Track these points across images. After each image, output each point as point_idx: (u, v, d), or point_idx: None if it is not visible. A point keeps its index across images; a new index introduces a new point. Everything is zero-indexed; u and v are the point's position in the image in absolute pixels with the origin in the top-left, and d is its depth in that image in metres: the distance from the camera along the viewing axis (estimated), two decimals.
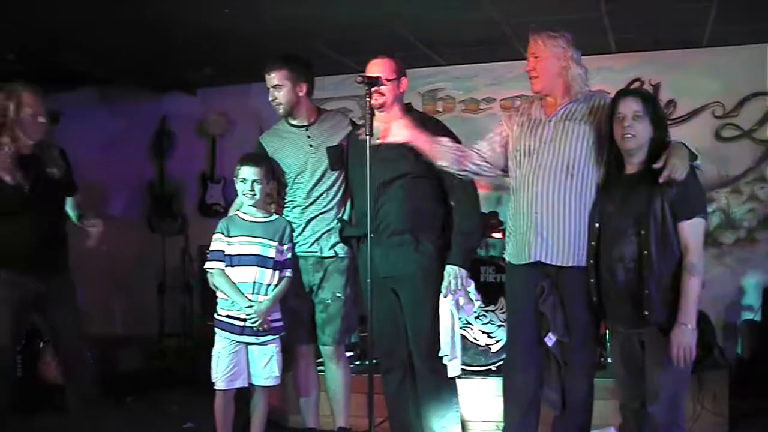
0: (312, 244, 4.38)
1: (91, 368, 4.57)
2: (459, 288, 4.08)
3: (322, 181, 4.38)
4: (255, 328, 4.23)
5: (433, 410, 4.20)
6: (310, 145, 4.41)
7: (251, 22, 5.71)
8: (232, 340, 4.27)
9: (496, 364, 5.17)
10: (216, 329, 4.32)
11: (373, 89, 4.00)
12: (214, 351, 4.31)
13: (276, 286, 4.28)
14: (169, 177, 7.87)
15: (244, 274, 4.25)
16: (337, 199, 4.41)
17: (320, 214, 4.38)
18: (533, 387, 3.86)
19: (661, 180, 3.37)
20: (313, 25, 5.80)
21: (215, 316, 4.33)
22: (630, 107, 3.50)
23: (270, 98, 4.42)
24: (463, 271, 4.10)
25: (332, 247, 4.38)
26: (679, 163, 3.38)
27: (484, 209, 4.46)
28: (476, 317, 5.20)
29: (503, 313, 4.96)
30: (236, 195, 4.40)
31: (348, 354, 4.84)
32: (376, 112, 4.24)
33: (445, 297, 4.08)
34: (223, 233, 4.31)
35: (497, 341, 5.24)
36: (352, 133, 4.44)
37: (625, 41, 6.38)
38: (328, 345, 4.44)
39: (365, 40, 5.72)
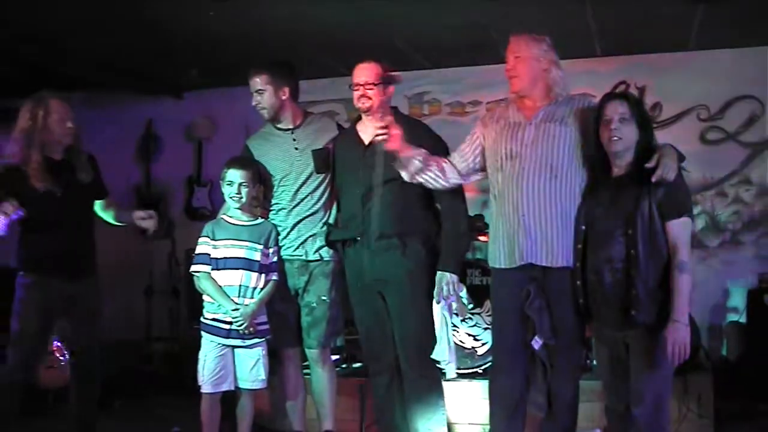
0: (297, 248, 4.38)
1: (102, 376, 4.60)
2: (451, 293, 4.09)
3: (307, 184, 4.38)
4: (241, 331, 4.23)
5: (420, 413, 4.21)
6: (296, 148, 4.41)
7: (238, 26, 5.72)
8: (219, 344, 4.27)
9: (483, 367, 5.18)
10: (202, 332, 4.32)
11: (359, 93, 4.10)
12: (201, 354, 4.30)
13: (262, 289, 4.28)
14: (155, 180, 7.86)
15: (230, 278, 4.25)
16: (322, 202, 4.41)
17: (305, 217, 4.38)
18: (519, 390, 3.86)
19: (654, 179, 3.39)
20: (300, 29, 5.80)
21: (201, 319, 4.33)
22: (616, 110, 3.52)
23: (253, 102, 4.43)
24: (455, 276, 4.11)
25: (317, 250, 4.38)
26: (671, 163, 3.41)
27: (470, 212, 4.47)
28: (462, 320, 5.21)
29: (489, 315, 4.96)
30: (223, 198, 4.40)
31: (334, 357, 4.84)
32: (363, 116, 4.27)
33: (438, 303, 4.09)
34: (209, 237, 4.31)
35: (483, 344, 5.25)
36: (338, 136, 4.44)
37: (611, 45, 6.41)
38: (314, 348, 4.44)
39: (353, 44, 5.73)
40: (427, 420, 4.21)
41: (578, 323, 3.75)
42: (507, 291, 3.86)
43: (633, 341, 3.51)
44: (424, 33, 6.05)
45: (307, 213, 4.38)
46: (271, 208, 4.45)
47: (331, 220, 4.42)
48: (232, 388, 4.33)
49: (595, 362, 4.74)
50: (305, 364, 4.61)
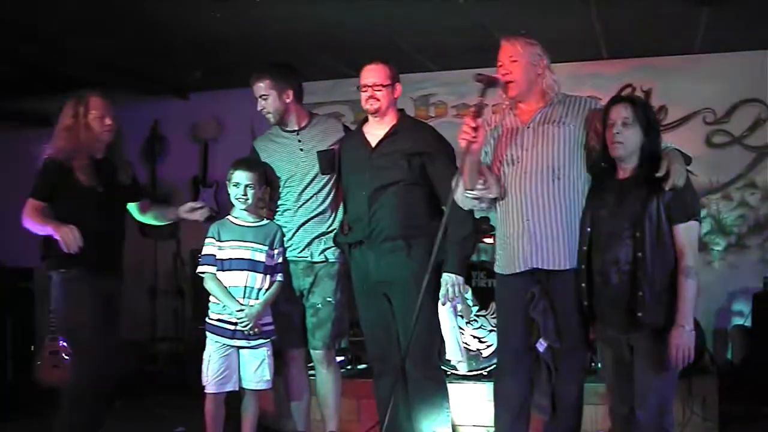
0: (303, 249, 4.39)
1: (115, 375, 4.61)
2: (456, 295, 4.09)
3: (312, 185, 4.38)
4: (246, 332, 4.23)
5: (424, 414, 4.21)
6: (301, 150, 4.41)
7: (243, 27, 5.72)
8: (223, 344, 4.28)
9: (488, 369, 5.17)
10: (207, 333, 4.33)
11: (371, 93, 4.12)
12: (205, 354, 4.31)
13: (267, 290, 4.29)
14: (160, 181, 7.87)
15: (236, 279, 4.26)
16: (327, 203, 4.40)
17: (311, 218, 4.38)
18: (523, 392, 3.85)
19: (667, 188, 3.38)
20: (305, 30, 5.81)
21: (206, 319, 4.34)
22: (620, 114, 3.51)
23: (258, 107, 4.43)
24: (460, 278, 4.11)
25: (323, 251, 4.38)
26: (681, 168, 3.41)
27: (475, 214, 4.47)
28: (467, 322, 5.21)
29: (494, 317, 4.97)
30: (228, 199, 4.41)
31: (339, 359, 4.84)
32: (370, 117, 4.27)
33: (443, 305, 4.09)
34: (214, 237, 4.32)
35: (488, 345, 5.25)
36: (344, 138, 4.45)
37: (617, 47, 6.41)
38: (319, 349, 4.44)
39: (357, 45, 5.73)
40: (431, 421, 4.21)
41: (582, 326, 3.74)
42: (511, 294, 3.85)
43: (638, 343, 3.51)
44: (427, 34, 6.05)
45: (312, 214, 4.38)
46: (278, 209, 4.46)
47: (337, 222, 4.42)
48: (237, 389, 4.34)
49: (599, 365, 4.75)
50: (310, 365, 4.62)
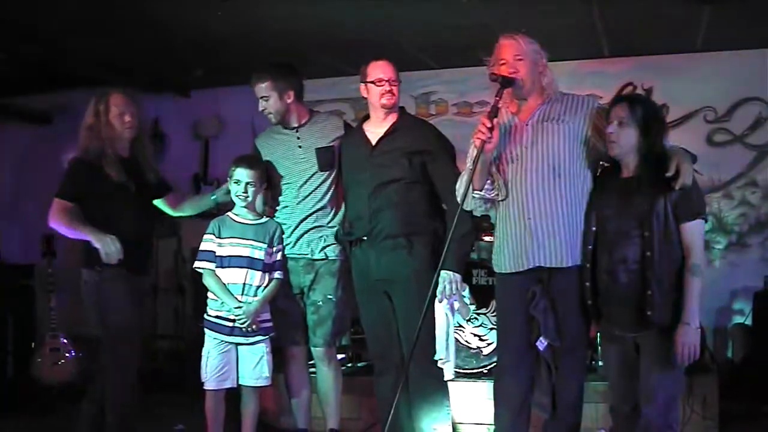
0: (303, 246, 4.39)
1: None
2: (454, 292, 4.09)
3: (310, 182, 4.38)
4: (244, 329, 4.24)
5: (424, 412, 4.21)
6: (299, 147, 4.42)
7: (244, 25, 5.72)
8: (222, 341, 4.29)
9: (488, 367, 5.18)
10: (205, 329, 4.34)
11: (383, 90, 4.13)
12: (204, 351, 4.32)
13: (266, 287, 4.30)
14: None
15: (234, 276, 4.26)
16: (326, 200, 4.40)
17: (310, 215, 4.38)
18: (524, 391, 3.85)
19: (677, 187, 3.39)
20: (306, 28, 5.81)
21: (205, 316, 4.35)
22: (617, 114, 3.51)
23: (260, 108, 4.43)
24: (458, 276, 4.11)
25: (323, 249, 4.38)
26: (689, 167, 3.42)
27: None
28: (468, 320, 5.20)
29: (495, 315, 4.97)
30: (229, 197, 4.41)
31: (339, 356, 4.84)
32: (371, 115, 4.28)
33: (440, 302, 4.09)
34: (214, 234, 4.33)
35: (489, 344, 5.25)
36: (345, 136, 4.44)
37: (618, 46, 6.40)
38: (319, 347, 4.45)
39: (358, 44, 5.73)
40: (431, 419, 4.21)
41: (583, 324, 3.74)
42: (512, 292, 3.84)
43: (645, 341, 3.50)
44: (428, 33, 6.05)
45: (311, 211, 4.38)
46: (278, 206, 4.46)
47: (338, 219, 4.42)
48: (236, 386, 4.35)
49: (600, 363, 4.75)
50: (311, 362, 4.62)
